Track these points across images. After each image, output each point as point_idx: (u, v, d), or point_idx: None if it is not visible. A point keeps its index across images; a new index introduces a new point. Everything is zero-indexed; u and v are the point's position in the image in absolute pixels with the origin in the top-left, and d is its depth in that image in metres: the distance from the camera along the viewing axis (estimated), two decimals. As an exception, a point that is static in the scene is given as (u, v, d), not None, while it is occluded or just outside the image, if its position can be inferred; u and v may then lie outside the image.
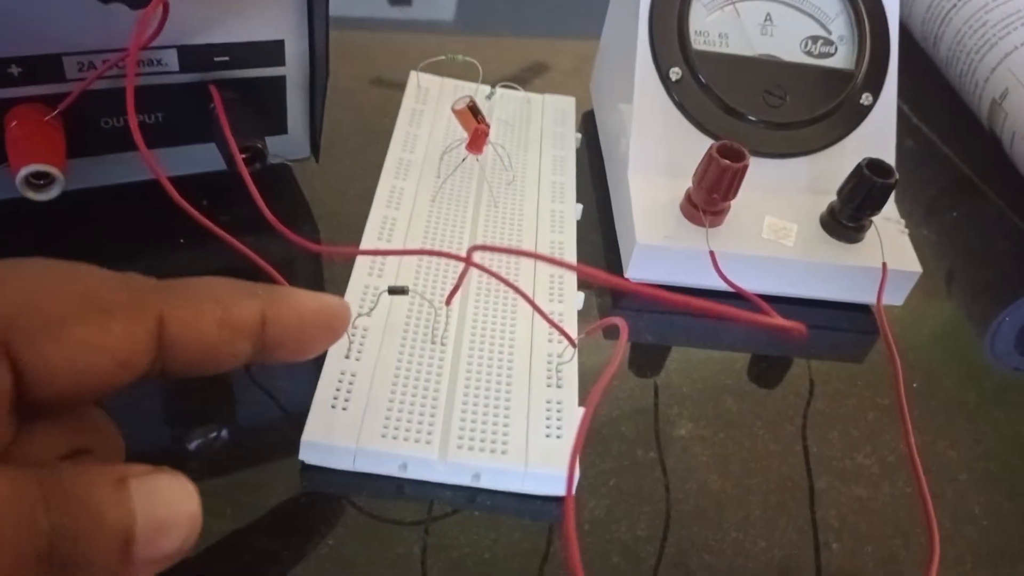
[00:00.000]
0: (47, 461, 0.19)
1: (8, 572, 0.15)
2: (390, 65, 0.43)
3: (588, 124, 0.42)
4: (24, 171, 0.25)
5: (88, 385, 0.18)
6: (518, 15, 0.53)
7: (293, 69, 0.30)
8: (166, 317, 0.18)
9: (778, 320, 0.18)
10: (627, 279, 0.30)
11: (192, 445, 0.26)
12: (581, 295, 0.31)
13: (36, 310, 0.17)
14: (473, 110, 0.33)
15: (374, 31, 0.48)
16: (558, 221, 0.34)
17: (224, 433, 0.26)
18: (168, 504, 0.17)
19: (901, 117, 0.36)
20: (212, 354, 0.19)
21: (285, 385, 0.28)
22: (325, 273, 0.32)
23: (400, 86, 0.40)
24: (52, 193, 0.26)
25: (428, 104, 0.39)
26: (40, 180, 0.26)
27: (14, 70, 0.26)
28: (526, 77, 0.45)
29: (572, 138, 0.39)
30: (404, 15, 0.52)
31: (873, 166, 0.32)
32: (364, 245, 0.31)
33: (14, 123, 0.27)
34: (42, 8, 0.25)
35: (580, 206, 0.35)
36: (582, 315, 0.31)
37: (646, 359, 0.31)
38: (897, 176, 0.32)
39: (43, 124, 0.27)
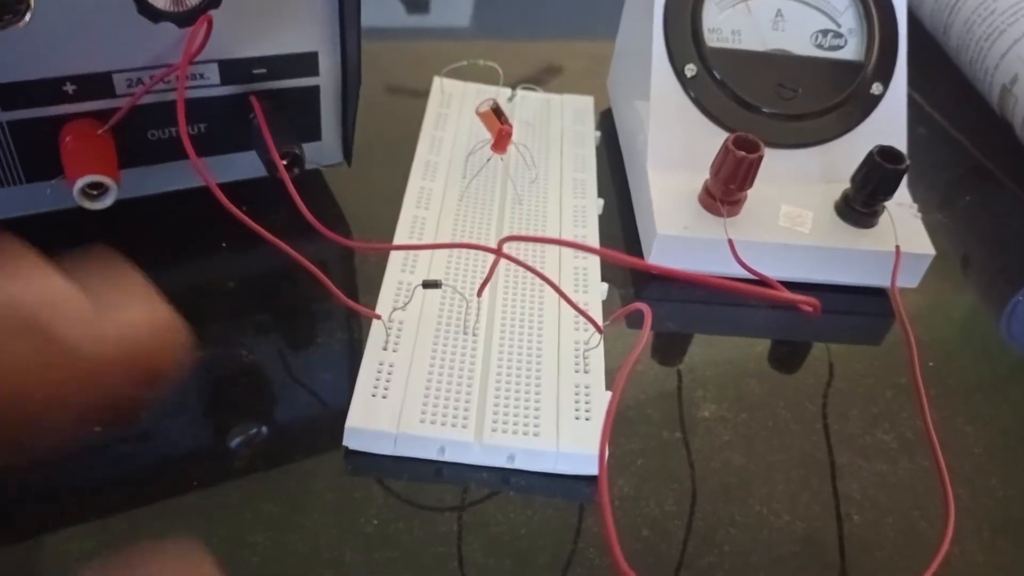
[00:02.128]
0: None
1: None
2: (411, 72, 0.45)
3: (606, 122, 0.43)
4: (81, 182, 0.27)
5: None
6: (532, 19, 0.54)
7: (326, 79, 0.32)
8: None
9: (789, 295, 0.20)
10: (649, 263, 0.32)
11: (233, 443, 0.27)
12: (605, 286, 0.32)
13: None
14: (497, 112, 0.34)
15: (394, 39, 0.50)
16: (580, 216, 0.36)
17: (263, 431, 0.28)
18: None
19: (913, 105, 0.37)
20: None
21: (326, 378, 0.29)
22: (360, 271, 0.33)
23: (421, 92, 0.42)
24: (106, 202, 0.28)
25: (452, 108, 0.41)
26: (95, 190, 0.28)
27: (68, 87, 0.28)
28: (543, 78, 0.47)
29: (592, 136, 0.40)
30: (422, 23, 0.54)
31: (884, 153, 0.33)
32: (397, 243, 0.33)
33: (68, 137, 0.28)
34: (95, 29, 0.27)
35: (601, 201, 0.37)
36: (606, 305, 0.32)
37: (669, 346, 0.33)
38: (908, 162, 0.33)
39: (96, 137, 0.28)
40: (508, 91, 0.42)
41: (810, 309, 0.21)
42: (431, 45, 0.50)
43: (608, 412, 0.23)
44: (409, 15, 0.55)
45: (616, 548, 0.20)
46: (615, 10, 0.43)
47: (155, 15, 0.25)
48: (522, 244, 0.33)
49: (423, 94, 0.42)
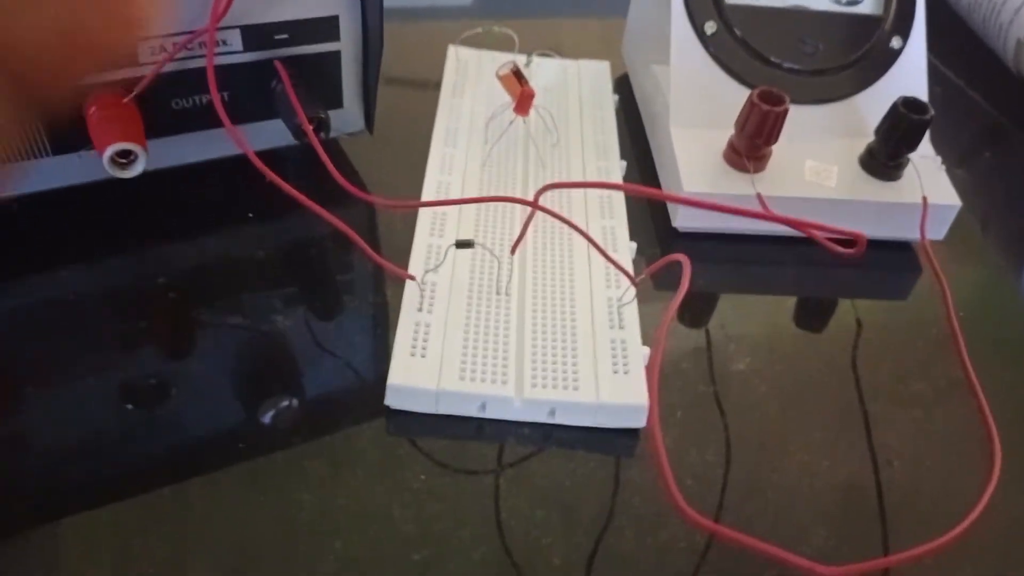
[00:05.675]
0: None
1: None
2: (422, 50, 0.44)
3: (622, 88, 0.43)
4: (110, 150, 0.27)
5: None
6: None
7: (347, 44, 0.32)
8: None
9: (837, 227, 0.20)
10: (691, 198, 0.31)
11: (266, 418, 0.27)
12: (634, 244, 0.32)
13: None
14: (517, 74, 0.34)
15: (399, 20, 0.50)
16: (604, 177, 0.35)
17: (294, 402, 0.28)
18: None
19: (928, 65, 0.37)
20: None
21: (361, 341, 0.29)
22: (387, 237, 0.33)
23: (434, 68, 0.42)
24: (136, 170, 0.28)
25: (468, 76, 0.40)
26: (124, 159, 0.28)
27: (93, 56, 0.28)
28: (552, 51, 0.46)
29: (610, 99, 0.40)
30: (425, 2, 0.54)
31: (908, 104, 0.33)
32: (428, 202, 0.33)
33: (93, 108, 0.28)
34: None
35: (624, 163, 0.37)
36: (634, 267, 0.32)
37: (699, 303, 0.33)
38: (932, 112, 0.33)
39: (121, 106, 0.28)
40: (523, 57, 0.41)
41: (852, 251, 0.21)
42: (437, 24, 0.50)
43: (653, 358, 0.23)
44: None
45: (673, 487, 0.20)
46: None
47: (181, -22, 0.25)
48: (551, 207, 0.33)
49: (436, 70, 0.42)
